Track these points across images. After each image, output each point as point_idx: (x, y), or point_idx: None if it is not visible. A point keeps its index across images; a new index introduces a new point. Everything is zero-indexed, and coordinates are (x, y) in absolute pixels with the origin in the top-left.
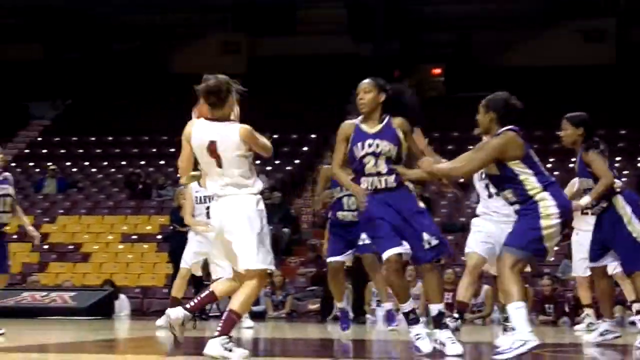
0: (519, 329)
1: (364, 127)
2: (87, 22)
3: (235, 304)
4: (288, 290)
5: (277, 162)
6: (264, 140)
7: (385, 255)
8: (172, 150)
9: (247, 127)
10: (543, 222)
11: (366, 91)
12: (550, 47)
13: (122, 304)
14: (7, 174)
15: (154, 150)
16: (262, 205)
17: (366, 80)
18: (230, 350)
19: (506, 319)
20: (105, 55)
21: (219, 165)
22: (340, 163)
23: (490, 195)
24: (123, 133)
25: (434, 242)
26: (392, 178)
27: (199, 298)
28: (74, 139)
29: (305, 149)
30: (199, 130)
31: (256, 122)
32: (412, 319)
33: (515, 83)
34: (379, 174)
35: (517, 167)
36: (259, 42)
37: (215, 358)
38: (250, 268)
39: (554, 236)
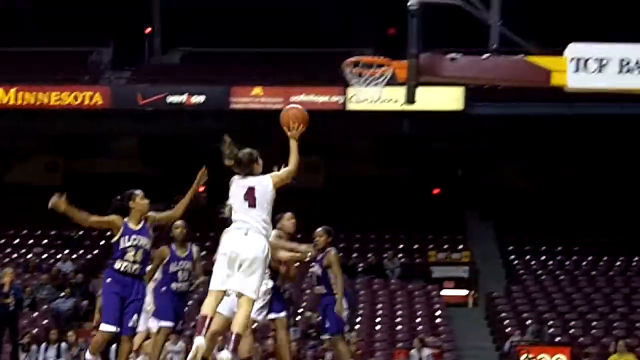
0: None
1: None
2: None
3: (236, 326)
4: (81, 346)
5: (81, 251)
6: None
7: None
8: (2, 241)
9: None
10: None
11: None
12: None
13: None
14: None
15: None
16: None
17: None
18: None
19: None
20: None
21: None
22: None
23: None
24: None
25: None
26: None
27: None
28: None
29: (102, 242)
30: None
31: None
32: None
33: None
34: None
35: None
36: (75, 163)
37: None
38: None
39: None
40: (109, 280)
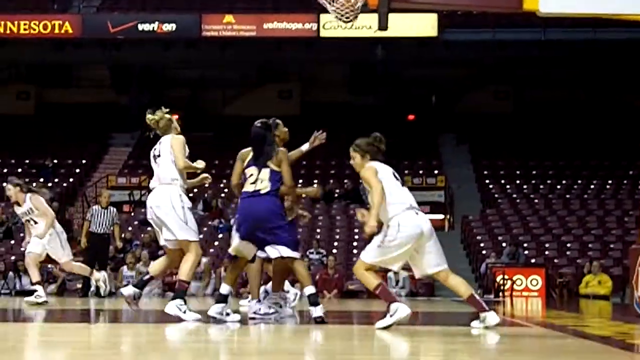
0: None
1: None
2: None
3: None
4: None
5: (56, 180)
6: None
7: None
8: None
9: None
10: None
11: None
12: (256, 101)
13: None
14: None
15: None
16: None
17: None
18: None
19: None
20: None
21: None
22: None
23: None
24: None
25: None
26: None
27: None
28: None
29: (77, 170)
30: None
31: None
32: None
33: (232, 129)
34: None
35: None
36: (47, 92)
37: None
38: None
39: None
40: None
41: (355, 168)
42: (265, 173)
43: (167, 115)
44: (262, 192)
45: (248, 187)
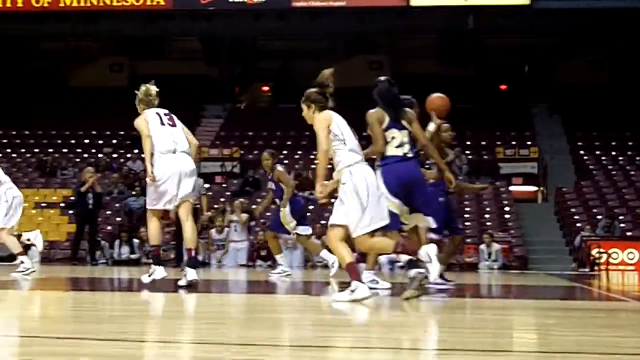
0: None
1: None
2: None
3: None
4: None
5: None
6: None
7: None
8: (72, 141)
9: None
10: None
11: None
12: (346, 72)
13: (33, 253)
14: None
15: (59, 141)
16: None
17: None
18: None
19: None
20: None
21: None
22: None
23: None
24: (38, 128)
25: None
26: None
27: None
28: None
29: None
30: None
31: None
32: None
33: None
34: None
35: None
36: (139, 64)
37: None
38: None
39: None
40: None
41: (307, 121)
42: (405, 134)
43: None
44: (409, 155)
45: (395, 151)
